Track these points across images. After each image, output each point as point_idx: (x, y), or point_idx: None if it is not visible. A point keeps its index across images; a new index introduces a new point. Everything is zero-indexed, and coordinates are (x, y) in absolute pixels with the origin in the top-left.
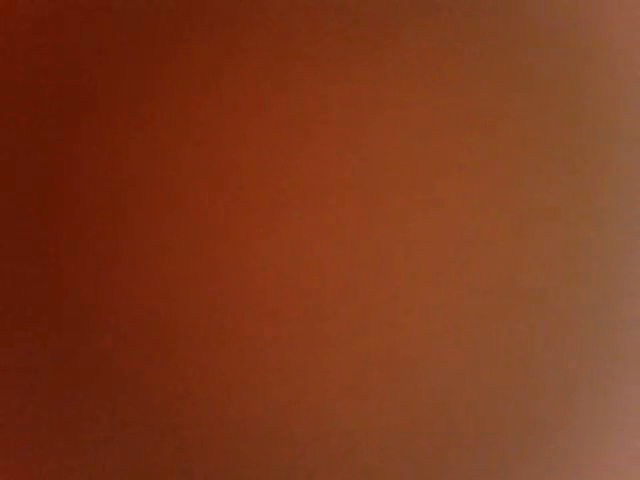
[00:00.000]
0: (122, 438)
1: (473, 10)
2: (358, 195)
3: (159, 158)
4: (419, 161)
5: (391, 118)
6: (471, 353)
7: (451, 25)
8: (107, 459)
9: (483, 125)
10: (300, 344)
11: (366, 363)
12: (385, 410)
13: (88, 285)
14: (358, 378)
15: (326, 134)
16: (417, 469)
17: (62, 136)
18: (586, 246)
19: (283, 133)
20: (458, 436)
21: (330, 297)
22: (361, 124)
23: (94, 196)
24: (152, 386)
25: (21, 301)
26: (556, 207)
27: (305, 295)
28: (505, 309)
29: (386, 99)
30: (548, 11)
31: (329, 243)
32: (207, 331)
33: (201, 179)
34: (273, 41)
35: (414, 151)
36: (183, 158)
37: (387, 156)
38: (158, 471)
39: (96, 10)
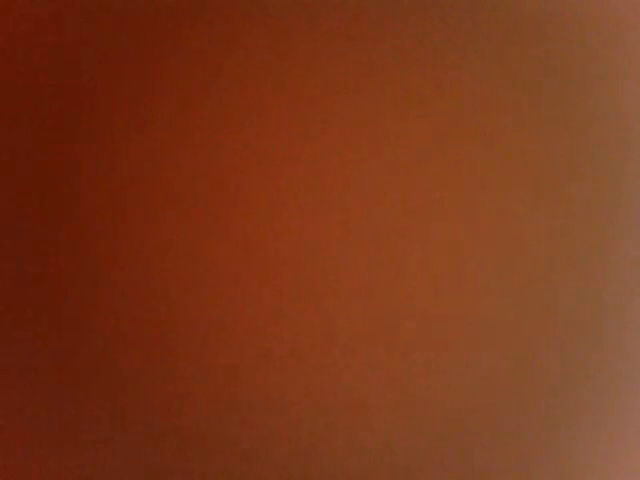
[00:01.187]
0: (122, 438)
1: (474, 7)
2: (357, 194)
3: (159, 158)
4: (419, 159)
5: (390, 116)
6: (476, 355)
7: (452, 22)
8: (107, 459)
9: (484, 124)
10: (301, 343)
11: (366, 363)
12: (389, 411)
13: (88, 285)
14: (359, 378)
15: (326, 132)
16: (419, 467)
17: (62, 136)
18: (586, 244)
19: (283, 132)
20: (461, 436)
21: (330, 296)
22: (361, 121)
23: (94, 196)
24: (152, 386)
25: (21, 301)
26: (558, 207)
27: (306, 295)
28: (509, 309)
29: (386, 96)
30: (549, 9)
31: (329, 242)
32: (207, 331)
33: (201, 179)
34: (272, 40)
35: (414, 149)
36: (183, 158)
37: (387, 154)
38: (158, 471)
39: (96, 10)
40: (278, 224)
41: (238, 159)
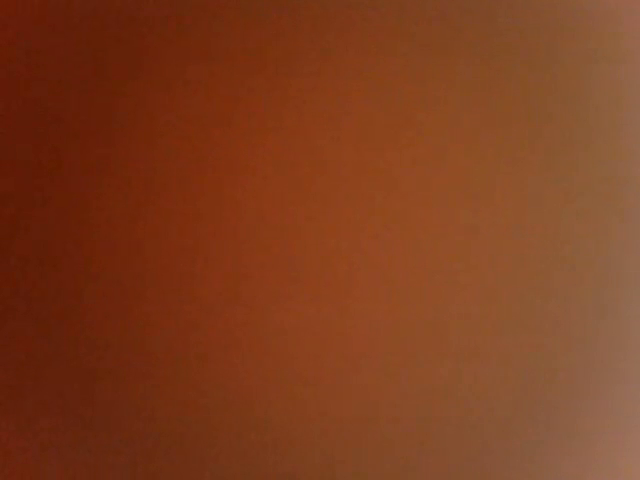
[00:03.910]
0: (123, 438)
1: (473, 13)
2: (354, 195)
3: (157, 155)
4: (418, 160)
5: (388, 118)
6: (473, 352)
7: (453, 26)
8: (107, 459)
9: (480, 126)
10: (300, 342)
11: (367, 366)
12: (382, 411)
13: (87, 284)
14: (357, 378)
15: (326, 132)
16: (419, 465)
17: (62, 136)
18: (582, 241)
19: (280, 132)
20: (458, 437)
21: (331, 295)
22: (361, 122)
23: (95, 196)
24: (153, 386)
25: (21, 301)
26: (555, 205)
27: (305, 295)
28: (506, 307)
29: (384, 97)
30: (548, 14)
31: (328, 240)
32: (207, 331)
33: (201, 176)
34: (272, 40)
35: (412, 149)
36: (182, 154)
37: (384, 154)
38: (159, 471)
39: (95, 10)
40: (276, 223)
41: (237, 159)
